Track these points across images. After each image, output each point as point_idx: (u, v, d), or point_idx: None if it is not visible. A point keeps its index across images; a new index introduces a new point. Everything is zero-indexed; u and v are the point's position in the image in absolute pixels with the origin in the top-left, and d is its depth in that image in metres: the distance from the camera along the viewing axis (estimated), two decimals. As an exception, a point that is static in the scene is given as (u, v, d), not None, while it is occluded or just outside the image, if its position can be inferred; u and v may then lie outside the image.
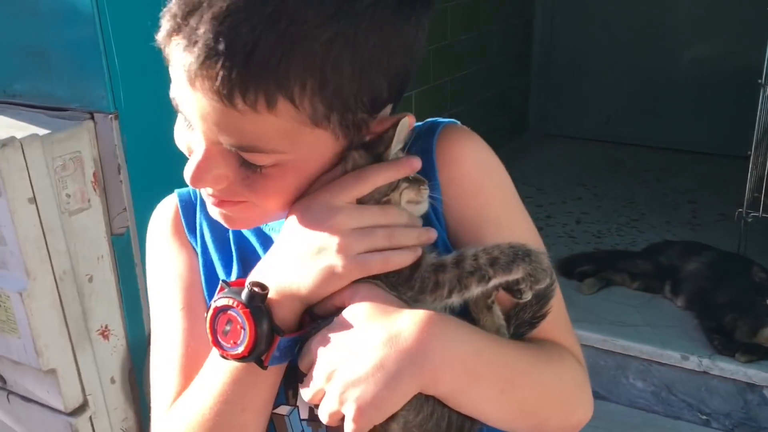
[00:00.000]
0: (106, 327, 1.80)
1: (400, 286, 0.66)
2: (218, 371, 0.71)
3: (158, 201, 1.84)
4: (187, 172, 0.69)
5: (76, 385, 1.75)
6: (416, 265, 0.66)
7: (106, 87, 1.64)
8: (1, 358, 1.78)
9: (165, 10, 0.65)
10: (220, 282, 0.69)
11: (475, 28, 3.49)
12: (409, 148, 0.72)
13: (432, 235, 0.69)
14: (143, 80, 1.71)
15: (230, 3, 0.59)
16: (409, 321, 0.61)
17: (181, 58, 0.62)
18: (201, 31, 0.60)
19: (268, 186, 0.67)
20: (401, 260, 0.66)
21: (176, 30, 0.63)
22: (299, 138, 0.64)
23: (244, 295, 0.65)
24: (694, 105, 3.76)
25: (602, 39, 4.01)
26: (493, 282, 0.65)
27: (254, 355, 0.65)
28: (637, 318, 2.25)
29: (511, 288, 0.66)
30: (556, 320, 0.76)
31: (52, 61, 1.69)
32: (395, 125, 0.68)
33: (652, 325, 2.21)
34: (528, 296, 0.67)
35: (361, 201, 0.68)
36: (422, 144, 0.74)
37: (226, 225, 0.75)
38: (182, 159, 2.05)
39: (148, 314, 1.97)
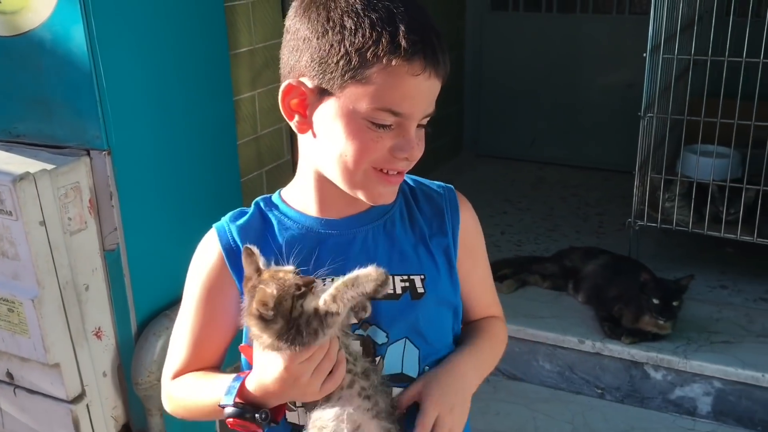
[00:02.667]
0: (99, 329, 2.09)
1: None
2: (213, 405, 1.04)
3: (144, 222, 2.18)
4: (405, 151, 0.99)
5: (76, 377, 2.03)
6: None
7: (101, 128, 1.92)
8: (11, 357, 2.08)
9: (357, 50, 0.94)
10: (233, 402, 0.99)
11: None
12: (436, 200, 1.15)
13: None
14: (131, 123, 2.00)
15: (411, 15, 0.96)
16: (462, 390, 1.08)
17: (409, 69, 0.94)
18: (418, 42, 0.94)
19: (422, 140, 1.03)
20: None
21: (397, 54, 0.93)
22: None
23: (257, 417, 0.98)
24: (605, 128, 4.20)
25: (526, 71, 4.40)
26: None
27: None
28: (545, 311, 2.67)
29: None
30: (491, 300, 1.25)
31: (53, 107, 1.96)
32: None
33: (557, 317, 2.63)
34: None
35: None
36: (450, 201, 1.15)
37: (388, 200, 1.06)
38: (164, 184, 2.42)
39: (135, 318, 2.29)
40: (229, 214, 1.14)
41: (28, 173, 1.84)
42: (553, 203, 3.83)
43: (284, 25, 1.05)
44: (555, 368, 2.57)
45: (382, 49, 0.93)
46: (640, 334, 2.46)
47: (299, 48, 1.00)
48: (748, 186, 2.66)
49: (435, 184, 1.20)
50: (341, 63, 0.94)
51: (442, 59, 0.98)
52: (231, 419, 0.99)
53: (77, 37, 1.88)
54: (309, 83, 1.00)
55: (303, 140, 1.08)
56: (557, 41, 4.32)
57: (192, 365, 1.14)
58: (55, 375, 2.02)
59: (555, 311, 2.67)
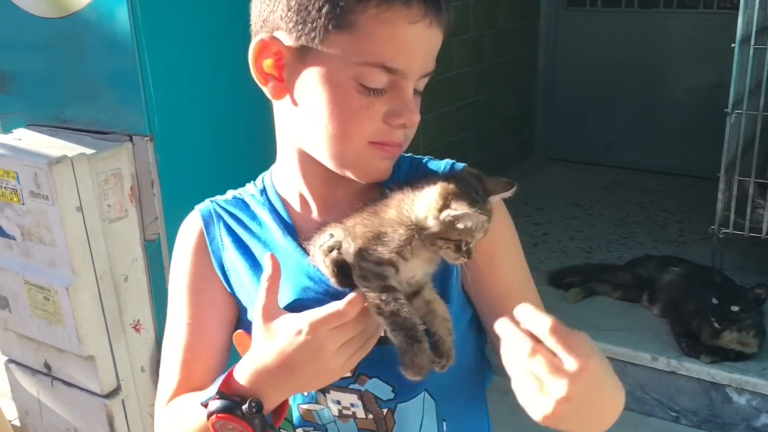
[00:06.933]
0: (138, 321, 2.05)
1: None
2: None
3: (186, 211, 2.10)
4: (401, 116, 0.82)
5: (111, 371, 1.99)
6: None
7: (144, 114, 1.90)
8: (48, 347, 2.05)
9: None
10: (217, 391, 0.80)
11: (479, 60, 3.76)
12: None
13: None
14: (175, 108, 1.97)
15: None
16: None
17: (406, 15, 0.78)
18: None
19: (418, 108, 0.85)
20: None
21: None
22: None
23: (245, 409, 0.77)
24: (688, 132, 3.98)
25: (602, 70, 4.24)
26: None
27: None
28: (615, 324, 2.46)
29: None
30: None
31: (97, 92, 1.96)
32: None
33: (627, 330, 2.41)
34: None
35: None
36: None
37: (384, 176, 0.87)
38: (207, 173, 2.34)
39: (174, 311, 2.22)
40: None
41: (65, 156, 1.81)
42: (629, 209, 3.61)
43: None
44: (625, 387, 2.34)
45: None
46: (721, 353, 2.24)
47: None
48: None
49: (443, 164, 0.94)
50: (324, 8, 0.79)
51: (444, 4, 0.82)
52: (214, 416, 0.79)
53: (121, 17, 1.85)
54: (286, 40, 0.84)
55: (280, 109, 0.90)
56: (637, 39, 4.14)
57: (188, 383, 0.93)
58: (89, 368, 1.99)
59: (626, 324, 2.46)
